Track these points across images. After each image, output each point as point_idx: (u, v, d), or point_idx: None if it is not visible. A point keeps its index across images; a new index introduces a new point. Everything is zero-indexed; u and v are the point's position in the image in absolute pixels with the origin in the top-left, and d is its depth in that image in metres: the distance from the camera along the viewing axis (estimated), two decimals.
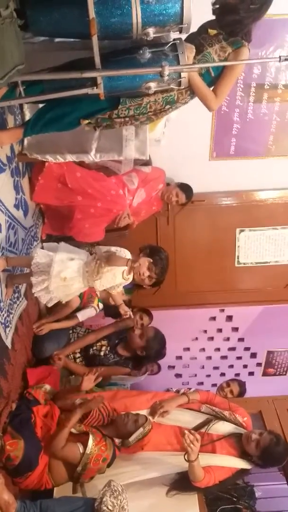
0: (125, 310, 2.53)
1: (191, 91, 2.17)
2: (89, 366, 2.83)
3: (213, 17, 2.15)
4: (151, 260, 2.26)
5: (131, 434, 2.22)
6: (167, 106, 2.20)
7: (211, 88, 2.18)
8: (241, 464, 2.37)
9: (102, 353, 2.82)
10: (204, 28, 2.16)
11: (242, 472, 2.42)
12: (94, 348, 2.85)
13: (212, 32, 2.14)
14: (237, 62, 2.18)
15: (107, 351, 2.84)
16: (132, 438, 2.22)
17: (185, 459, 2.17)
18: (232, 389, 3.07)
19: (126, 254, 2.26)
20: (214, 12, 2.12)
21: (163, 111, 2.22)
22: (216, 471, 2.29)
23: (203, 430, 2.38)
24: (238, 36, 2.11)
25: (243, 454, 2.37)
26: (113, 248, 2.27)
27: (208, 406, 2.52)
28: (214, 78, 2.17)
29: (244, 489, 2.90)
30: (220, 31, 2.11)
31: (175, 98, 2.18)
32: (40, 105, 2.20)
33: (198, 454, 2.16)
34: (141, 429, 2.23)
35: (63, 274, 2.11)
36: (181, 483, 2.33)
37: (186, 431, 2.17)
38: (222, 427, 2.43)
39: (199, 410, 2.51)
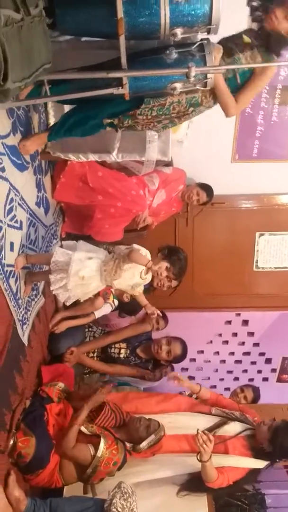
0: (151, 310, 2.53)
1: (215, 94, 2.14)
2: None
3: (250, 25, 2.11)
4: (169, 264, 2.25)
5: (142, 440, 2.21)
6: (191, 109, 2.18)
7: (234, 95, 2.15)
8: (254, 463, 2.36)
9: (122, 356, 2.82)
10: (239, 34, 2.14)
11: (255, 472, 2.39)
12: (112, 350, 2.84)
13: (247, 40, 2.11)
14: (264, 65, 2.13)
15: (127, 354, 2.84)
16: (143, 445, 2.20)
17: (198, 459, 2.16)
18: (246, 395, 3.03)
19: (146, 253, 2.24)
20: (255, 19, 2.08)
21: (186, 114, 2.20)
22: (230, 472, 2.28)
23: (215, 432, 2.36)
24: (273, 52, 2.09)
25: (256, 453, 2.36)
26: (134, 246, 2.26)
27: (218, 408, 2.52)
28: (240, 85, 2.15)
29: (255, 496, 2.87)
30: (256, 42, 2.09)
31: (199, 100, 2.16)
32: (65, 105, 2.20)
33: (211, 455, 2.14)
34: (153, 436, 2.21)
35: (81, 273, 2.11)
36: (193, 483, 2.33)
37: (199, 431, 2.15)
38: (233, 428, 2.42)
39: (209, 412, 2.51)
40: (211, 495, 2.39)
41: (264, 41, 2.07)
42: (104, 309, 2.86)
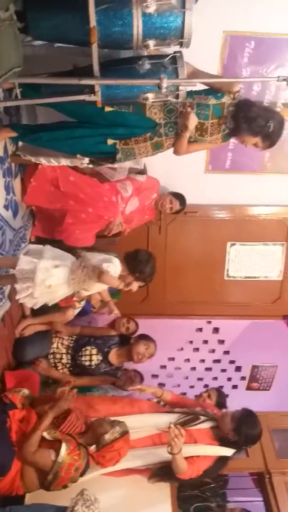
0: (112, 308, 2.53)
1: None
2: (77, 374, 2.81)
3: None
4: (138, 277, 2.29)
5: (107, 433, 2.20)
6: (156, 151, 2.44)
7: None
8: (222, 451, 2.42)
9: (93, 363, 2.81)
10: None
11: (223, 460, 2.45)
12: (83, 358, 2.82)
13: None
14: (233, 80, 2.21)
15: (98, 361, 2.82)
16: (108, 436, 2.18)
17: (168, 452, 2.20)
18: (210, 393, 3.05)
19: (115, 263, 2.25)
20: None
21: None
22: (199, 462, 2.34)
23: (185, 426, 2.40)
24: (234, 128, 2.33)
25: (222, 442, 2.43)
26: (101, 257, 2.25)
27: (180, 408, 2.58)
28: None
29: (217, 491, 2.89)
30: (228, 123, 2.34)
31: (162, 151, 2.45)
32: (37, 107, 2.21)
33: (181, 448, 2.19)
34: (117, 427, 2.21)
35: (48, 282, 2.09)
36: (164, 471, 2.38)
37: (171, 425, 2.20)
38: (198, 421, 2.48)
39: (173, 411, 2.56)
40: (175, 486, 2.46)
41: (233, 128, 2.32)
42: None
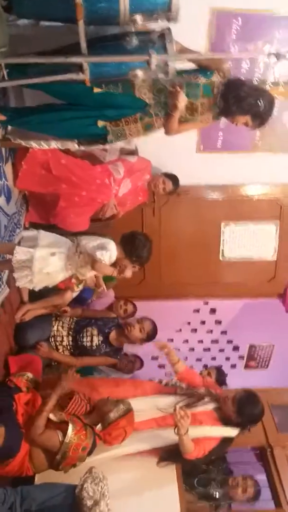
0: (100, 283, 2.56)
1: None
2: (78, 356, 2.83)
3: None
4: (134, 260, 2.29)
5: (111, 411, 2.23)
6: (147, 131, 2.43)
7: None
8: (226, 431, 2.47)
9: (94, 344, 2.82)
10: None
11: (227, 440, 2.50)
12: (84, 339, 2.84)
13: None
14: (221, 56, 2.20)
15: (99, 342, 2.84)
16: (113, 414, 2.21)
17: (175, 433, 2.24)
18: (210, 371, 3.10)
19: (111, 248, 2.25)
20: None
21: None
22: (205, 442, 2.39)
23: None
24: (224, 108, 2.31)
25: (225, 422, 2.47)
26: (97, 242, 2.25)
27: (183, 387, 2.61)
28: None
29: (219, 463, 2.94)
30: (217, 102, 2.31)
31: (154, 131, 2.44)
32: (24, 89, 2.18)
33: (187, 429, 2.23)
34: (121, 405, 2.24)
35: (46, 270, 2.10)
36: (171, 454, 2.43)
37: (177, 406, 2.23)
38: (202, 403, 2.52)
39: (175, 393, 2.58)
40: (180, 466, 2.49)
41: (223, 107, 2.29)
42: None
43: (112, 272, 2.24)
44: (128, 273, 2.31)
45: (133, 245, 2.31)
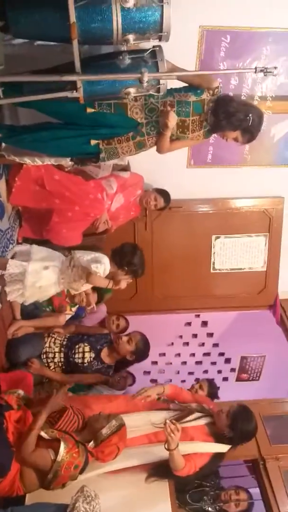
0: (89, 301, 2.54)
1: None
2: (69, 373, 2.81)
3: None
4: (129, 273, 2.30)
5: (103, 427, 2.20)
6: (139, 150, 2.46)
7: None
8: (217, 448, 2.44)
9: (86, 360, 2.80)
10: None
11: (219, 456, 2.47)
12: (76, 356, 2.82)
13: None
14: (210, 72, 2.24)
15: (91, 358, 2.82)
16: (105, 430, 2.18)
17: (165, 448, 2.21)
18: (201, 384, 3.09)
19: (105, 262, 2.26)
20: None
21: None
22: (196, 459, 2.35)
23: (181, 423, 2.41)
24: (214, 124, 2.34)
25: (218, 439, 2.44)
26: (90, 256, 2.26)
27: (176, 403, 2.58)
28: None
29: (211, 477, 2.92)
30: (208, 119, 2.35)
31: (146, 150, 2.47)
32: (19, 108, 2.20)
33: (178, 443, 2.19)
34: (113, 421, 2.21)
35: (38, 284, 2.10)
36: (161, 469, 2.38)
37: (167, 421, 2.20)
38: (194, 416, 2.50)
39: (168, 408, 2.56)
40: (172, 482, 2.45)
41: (213, 124, 2.33)
42: None
43: (107, 284, 2.23)
44: (123, 284, 2.31)
45: (122, 253, 2.32)
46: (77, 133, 2.27)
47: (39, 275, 2.11)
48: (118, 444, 2.23)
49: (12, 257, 2.21)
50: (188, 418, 2.48)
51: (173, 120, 2.27)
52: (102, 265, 2.22)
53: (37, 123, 2.32)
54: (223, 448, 2.45)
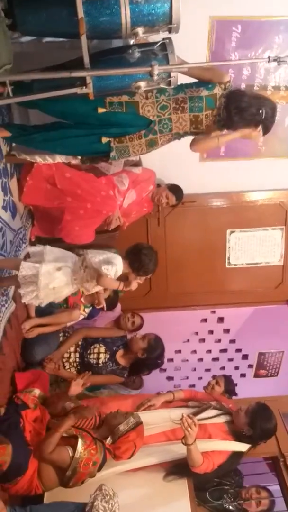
0: (100, 301, 2.53)
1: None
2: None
3: None
4: (140, 272, 2.27)
5: (121, 424, 2.20)
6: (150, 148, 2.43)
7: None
8: (236, 446, 2.42)
9: (100, 361, 2.80)
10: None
11: (237, 455, 2.45)
12: (91, 356, 2.81)
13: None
14: (222, 63, 2.19)
15: (106, 359, 2.81)
16: (122, 426, 2.19)
17: (183, 443, 2.19)
18: (218, 380, 3.05)
19: (118, 262, 2.23)
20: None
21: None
22: (214, 456, 2.34)
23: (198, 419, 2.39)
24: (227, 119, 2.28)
25: (237, 437, 2.43)
26: (103, 256, 2.23)
27: (194, 401, 2.57)
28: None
29: (232, 475, 2.89)
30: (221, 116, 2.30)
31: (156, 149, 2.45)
32: (30, 114, 2.19)
33: (195, 438, 2.18)
34: (131, 418, 2.22)
35: (51, 285, 2.09)
36: (179, 468, 2.38)
37: (184, 415, 2.19)
38: (213, 413, 2.48)
39: (187, 405, 2.55)
40: (191, 480, 2.43)
41: (226, 119, 2.29)
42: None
43: (118, 287, 2.21)
44: (134, 285, 2.28)
45: (140, 260, 2.25)
46: (88, 132, 2.26)
47: (52, 277, 2.09)
48: (135, 441, 2.22)
49: (25, 258, 2.21)
50: (206, 415, 2.46)
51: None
52: (114, 267, 2.19)
53: (48, 123, 2.31)
54: (242, 447, 2.43)
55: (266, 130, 2.33)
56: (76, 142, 2.28)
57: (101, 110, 2.18)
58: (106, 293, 2.47)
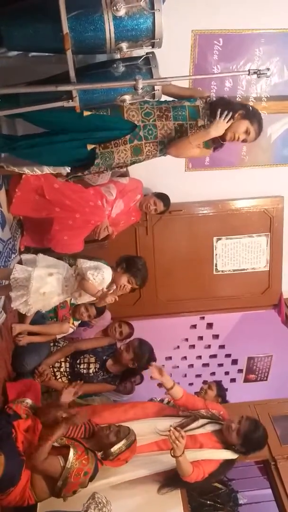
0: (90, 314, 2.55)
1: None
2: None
3: None
4: (131, 277, 2.31)
5: (113, 445, 2.19)
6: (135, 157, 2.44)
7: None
8: (227, 455, 2.42)
9: (91, 371, 2.81)
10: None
11: (228, 463, 2.45)
12: (81, 366, 2.82)
13: (200, 123, 2.34)
14: (205, 76, 2.26)
15: (96, 369, 2.82)
16: (114, 449, 2.18)
17: (171, 455, 2.19)
18: (210, 385, 3.09)
19: (106, 270, 2.28)
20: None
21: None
22: (204, 465, 2.32)
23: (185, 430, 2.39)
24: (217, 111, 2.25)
25: (227, 446, 2.42)
26: (95, 263, 2.28)
27: (185, 410, 2.55)
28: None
29: (229, 495, 2.91)
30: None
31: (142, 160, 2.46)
32: (16, 124, 2.23)
33: (184, 450, 2.17)
34: (124, 441, 2.20)
35: (42, 290, 2.12)
36: (172, 479, 2.37)
37: (171, 427, 2.18)
38: (201, 422, 2.47)
39: (178, 414, 2.54)
40: (185, 491, 2.43)
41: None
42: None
43: (95, 294, 2.23)
44: (109, 299, 2.28)
45: (137, 268, 2.35)
46: (73, 136, 2.25)
47: (44, 281, 2.12)
48: (126, 459, 2.24)
49: (20, 262, 2.24)
50: (196, 425, 2.44)
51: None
52: (100, 274, 2.23)
53: (34, 133, 2.34)
54: (232, 455, 2.43)
55: (260, 124, 2.30)
56: (62, 147, 2.27)
57: (86, 113, 2.19)
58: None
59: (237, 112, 2.25)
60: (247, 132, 2.30)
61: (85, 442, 2.21)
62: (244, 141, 2.35)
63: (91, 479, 2.12)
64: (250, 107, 2.28)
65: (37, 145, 2.28)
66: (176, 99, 2.36)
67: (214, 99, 2.41)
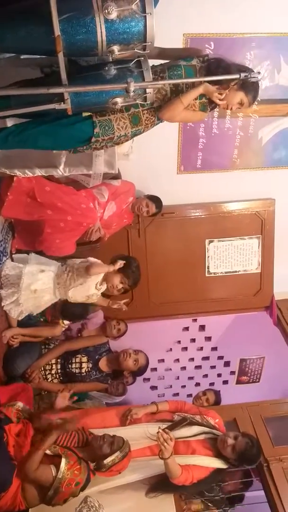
0: (118, 303, 2.55)
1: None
2: (67, 383, 2.80)
3: None
4: (124, 277, 2.31)
5: (106, 456, 2.16)
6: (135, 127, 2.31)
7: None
8: (218, 463, 2.41)
9: (83, 370, 2.80)
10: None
11: (220, 471, 2.45)
12: (73, 366, 2.82)
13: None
14: (199, 79, 2.26)
15: (89, 368, 2.82)
16: (108, 461, 2.14)
17: (160, 457, 2.18)
18: (208, 397, 3.11)
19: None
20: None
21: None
22: (195, 470, 2.32)
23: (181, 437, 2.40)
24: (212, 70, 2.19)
25: (219, 455, 2.42)
26: (90, 259, 2.29)
27: (180, 414, 2.54)
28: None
29: (222, 498, 2.91)
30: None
31: (142, 131, 2.32)
32: (7, 120, 2.20)
33: (172, 452, 2.17)
34: (118, 453, 2.17)
35: (33, 286, 2.11)
36: (160, 483, 2.36)
37: (160, 430, 2.17)
38: (194, 431, 2.46)
39: (172, 419, 2.53)
40: (178, 495, 2.43)
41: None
42: None
43: (108, 269, 2.23)
44: (118, 285, 2.29)
45: (131, 269, 2.37)
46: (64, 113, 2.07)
47: (35, 277, 2.13)
48: (120, 470, 2.22)
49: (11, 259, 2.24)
50: (190, 432, 2.44)
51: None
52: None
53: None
54: (223, 464, 2.44)
55: (255, 93, 2.24)
56: (58, 125, 2.14)
57: (85, 114, 2.14)
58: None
59: (233, 81, 2.16)
60: (241, 103, 2.24)
61: (78, 452, 2.17)
62: (237, 109, 2.31)
63: (82, 489, 2.10)
64: (248, 74, 2.12)
65: (29, 128, 2.15)
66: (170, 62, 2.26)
67: (212, 59, 2.28)
